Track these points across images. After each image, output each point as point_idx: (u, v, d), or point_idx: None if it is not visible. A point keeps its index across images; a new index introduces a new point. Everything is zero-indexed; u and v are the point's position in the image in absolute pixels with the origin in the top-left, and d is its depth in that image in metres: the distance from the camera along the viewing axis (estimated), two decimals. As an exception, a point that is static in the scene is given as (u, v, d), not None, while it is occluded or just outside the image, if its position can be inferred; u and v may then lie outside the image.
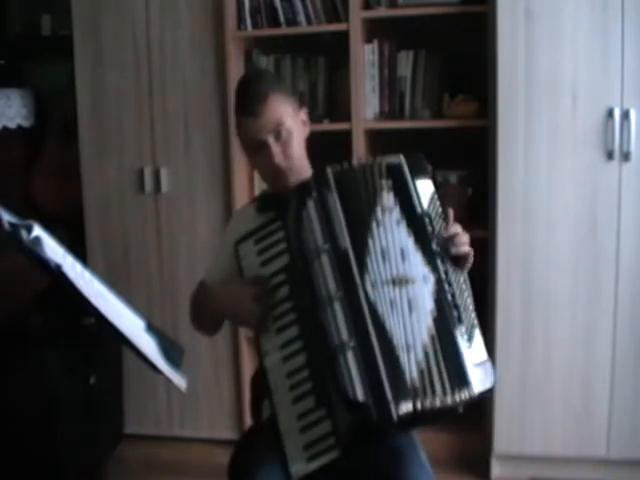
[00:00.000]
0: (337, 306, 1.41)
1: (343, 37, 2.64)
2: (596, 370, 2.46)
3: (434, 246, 1.46)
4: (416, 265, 1.44)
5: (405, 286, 1.42)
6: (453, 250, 1.47)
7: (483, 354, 1.44)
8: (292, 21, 2.70)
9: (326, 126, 2.72)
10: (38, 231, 1.31)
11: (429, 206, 1.50)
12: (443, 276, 1.44)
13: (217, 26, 2.73)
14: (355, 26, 2.62)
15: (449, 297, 1.43)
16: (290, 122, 1.62)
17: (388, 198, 1.48)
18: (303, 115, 1.69)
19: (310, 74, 2.82)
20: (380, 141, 2.83)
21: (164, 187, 2.87)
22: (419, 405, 1.36)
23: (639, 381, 2.45)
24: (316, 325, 1.42)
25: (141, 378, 2.94)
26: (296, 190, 1.52)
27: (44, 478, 2.51)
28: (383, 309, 1.40)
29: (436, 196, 1.52)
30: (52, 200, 3.14)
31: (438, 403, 1.36)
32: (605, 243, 2.41)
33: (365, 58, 2.68)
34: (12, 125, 3.07)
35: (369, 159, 1.57)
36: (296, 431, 1.44)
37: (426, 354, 1.39)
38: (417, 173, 1.52)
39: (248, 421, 2.56)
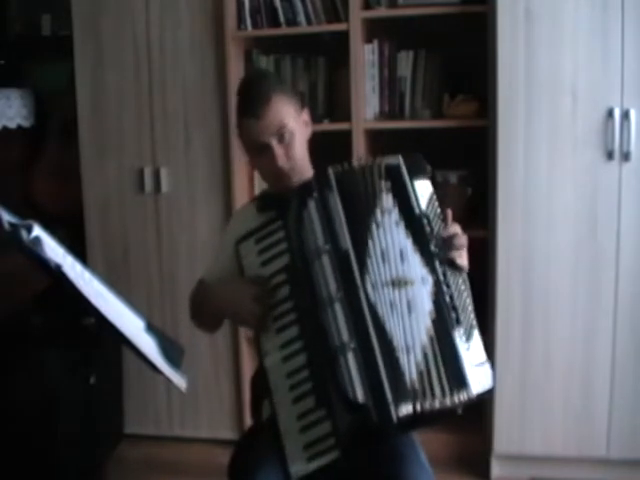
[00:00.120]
0: (338, 307, 1.41)
1: (343, 37, 2.64)
2: (596, 370, 2.46)
3: (432, 247, 1.46)
4: (415, 266, 1.44)
5: (404, 287, 1.42)
6: (450, 252, 1.47)
7: (482, 355, 1.44)
8: (292, 21, 2.70)
9: (326, 126, 2.72)
10: (38, 231, 1.31)
11: (427, 207, 1.49)
12: (441, 277, 1.44)
13: (217, 26, 2.73)
14: (355, 26, 2.62)
15: (447, 298, 1.43)
16: (293, 123, 1.61)
17: (387, 199, 1.48)
18: (305, 115, 1.69)
19: (310, 74, 2.82)
20: (380, 141, 2.83)
21: (164, 187, 2.87)
22: (418, 407, 1.36)
23: (639, 381, 2.45)
24: (316, 325, 1.42)
25: (141, 378, 2.95)
26: (297, 190, 1.52)
27: (44, 478, 2.51)
28: (383, 310, 1.40)
29: (435, 196, 1.52)
30: (52, 200, 3.14)
31: (437, 405, 1.36)
32: (605, 243, 2.41)
33: (365, 58, 2.68)
34: (12, 125, 3.07)
35: (369, 160, 1.56)
36: (296, 431, 1.44)
37: (425, 355, 1.39)
38: (415, 174, 1.52)
39: (248, 421, 2.56)
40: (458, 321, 1.42)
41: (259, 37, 2.81)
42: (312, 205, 1.47)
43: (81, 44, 2.87)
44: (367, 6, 2.65)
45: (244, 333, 2.80)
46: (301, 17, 2.69)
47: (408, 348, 1.39)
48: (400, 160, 1.52)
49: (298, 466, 1.43)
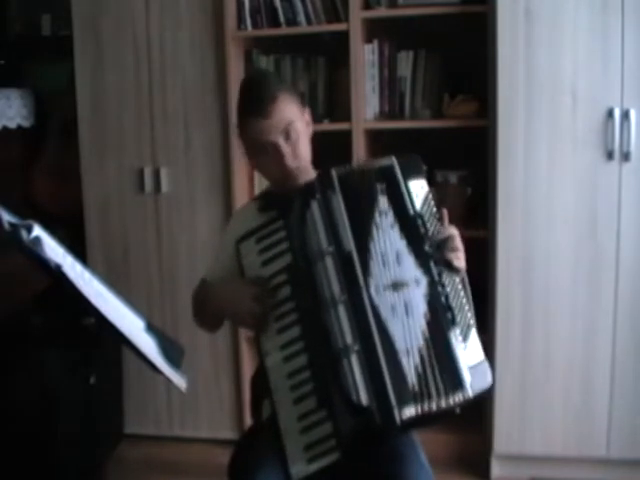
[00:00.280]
0: (341, 309, 1.40)
1: (343, 37, 2.64)
2: (596, 370, 2.46)
3: (427, 248, 1.45)
4: (409, 268, 1.43)
5: (402, 290, 1.42)
6: (446, 253, 1.46)
7: (479, 355, 1.43)
8: (292, 21, 2.70)
9: (326, 126, 2.72)
10: (38, 231, 1.31)
11: (422, 207, 1.49)
12: (436, 278, 1.43)
13: (217, 26, 2.73)
14: (355, 26, 2.62)
15: (442, 299, 1.42)
16: (298, 123, 1.61)
17: (383, 201, 1.48)
18: (307, 115, 1.69)
19: (310, 74, 2.82)
20: (380, 141, 2.83)
21: (164, 187, 2.87)
22: (420, 409, 1.36)
23: (639, 381, 2.45)
24: (318, 326, 1.42)
25: (141, 378, 2.95)
26: (300, 191, 1.51)
27: (44, 478, 2.51)
28: (386, 313, 1.40)
29: (430, 196, 1.51)
30: (52, 200, 3.15)
31: (434, 407, 1.36)
32: (605, 243, 2.41)
33: (365, 58, 2.68)
34: (12, 125, 3.07)
35: (368, 161, 1.56)
36: (297, 432, 1.44)
37: (422, 357, 1.39)
38: (410, 174, 1.51)
39: (248, 421, 2.56)
40: (454, 321, 1.42)
41: (259, 37, 2.81)
42: (315, 206, 1.47)
43: (81, 44, 2.87)
44: (367, 6, 2.66)
45: (244, 333, 2.80)
46: (301, 17, 2.69)
47: (408, 350, 1.39)
48: (394, 161, 1.51)
49: (299, 467, 1.43)
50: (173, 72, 2.81)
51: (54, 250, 1.34)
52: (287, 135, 1.59)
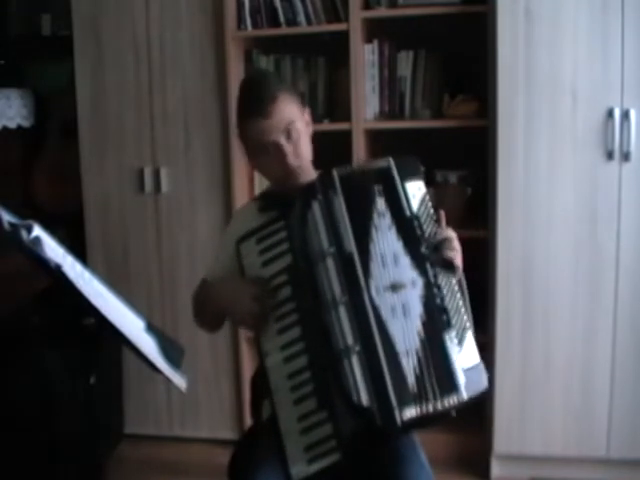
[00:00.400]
0: (342, 310, 1.40)
1: (343, 37, 2.64)
2: (596, 370, 2.46)
3: (423, 249, 1.45)
4: (406, 269, 1.43)
5: (400, 291, 1.42)
6: (442, 255, 1.45)
7: (475, 357, 1.43)
8: (292, 21, 2.70)
9: (326, 126, 2.72)
10: (38, 231, 1.31)
11: (419, 208, 1.48)
12: (432, 280, 1.43)
13: (217, 26, 2.73)
14: (355, 26, 2.62)
15: (437, 301, 1.42)
16: (298, 122, 1.61)
17: (380, 202, 1.47)
18: (307, 115, 1.69)
19: (310, 74, 2.82)
20: (380, 141, 2.83)
21: (164, 187, 2.87)
22: (420, 410, 1.36)
23: (639, 381, 2.45)
24: (319, 327, 1.42)
25: (141, 378, 2.95)
26: (301, 191, 1.50)
27: (44, 478, 2.51)
28: (386, 314, 1.40)
29: (428, 198, 1.50)
30: (52, 200, 3.15)
31: (431, 408, 1.36)
32: (605, 243, 2.41)
33: (365, 58, 2.68)
34: (12, 125, 3.07)
35: (367, 161, 1.56)
36: (297, 432, 1.44)
37: (419, 359, 1.39)
38: (407, 175, 1.50)
39: (248, 421, 2.56)
40: (449, 323, 1.41)
41: (259, 37, 2.81)
42: (316, 207, 1.46)
43: (81, 44, 2.87)
44: (367, 6, 2.66)
45: (244, 333, 2.80)
46: (301, 17, 2.69)
47: (407, 351, 1.39)
48: (391, 162, 1.50)
49: (299, 467, 1.43)
50: (173, 72, 2.81)
51: (54, 250, 1.34)
52: (288, 134, 1.59)
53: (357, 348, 1.38)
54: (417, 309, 1.41)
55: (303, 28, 2.70)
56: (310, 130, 1.69)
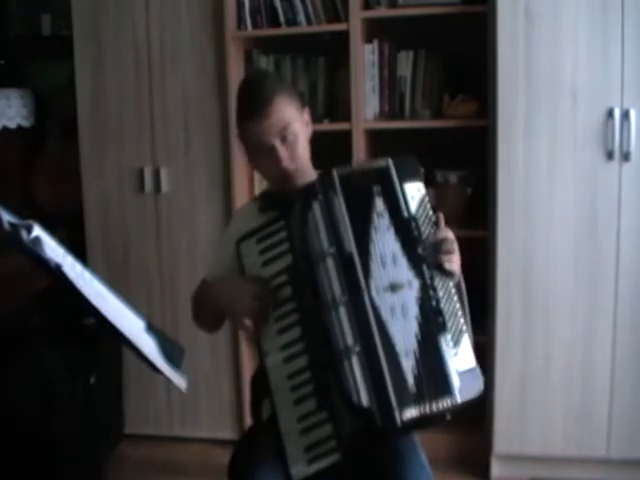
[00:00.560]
0: (342, 310, 1.40)
1: (343, 37, 2.64)
2: (596, 370, 2.46)
3: (420, 251, 1.44)
4: (403, 270, 1.43)
5: (398, 291, 1.42)
6: (439, 256, 1.44)
7: (471, 361, 1.42)
8: (292, 21, 2.70)
9: (326, 126, 2.72)
10: (38, 231, 1.31)
11: (418, 210, 1.48)
12: (428, 281, 1.42)
13: (217, 26, 2.73)
14: (355, 26, 2.62)
15: (433, 303, 1.41)
16: (295, 124, 1.61)
17: (379, 203, 1.47)
18: (306, 115, 1.68)
19: (310, 74, 2.82)
20: (380, 141, 2.83)
21: (164, 187, 2.87)
22: (420, 411, 1.35)
23: (639, 381, 2.45)
24: (319, 328, 1.42)
25: (141, 378, 2.95)
26: (302, 191, 1.50)
27: (44, 478, 2.51)
28: (386, 315, 1.40)
29: (427, 199, 1.50)
30: (52, 200, 3.15)
31: (428, 410, 1.36)
32: (605, 243, 2.41)
33: (365, 58, 2.68)
34: (12, 125, 3.07)
35: (367, 161, 1.56)
36: (297, 433, 1.44)
37: (416, 360, 1.38)
38: (405, 176, 1.49)
39: (248, 421, 2.56)
40: (444, 326, 1.41)
41: (259, 37, 2.81)
42: (317, 207, 1.46)
43: (81, 44, 2.87)
44: (367, 6, 2.66)
45: (244, 334, 2.79)
46: (301, 17, 2.69)
47: (407, 352, 1.39)
48: (389, 163, 1.50)
49: (299, 467, 1.43)
50: (173, 72, 2.81)
51: (54, 250, 1.34)
52: (283, 138, 1.59)
53: (357, 348, 1.38)
54: (413, 310, 1.41)
55: (303, 28, 2.70)
56: (310, 130, 1.69)
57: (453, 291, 1.44)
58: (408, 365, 1.38)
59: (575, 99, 2.37)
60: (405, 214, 1.46)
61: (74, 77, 2.90)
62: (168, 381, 1.49)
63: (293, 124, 1.60)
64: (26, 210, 2.73)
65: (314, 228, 1.45)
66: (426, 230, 1.47)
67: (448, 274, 1.45)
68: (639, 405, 2.46)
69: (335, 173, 1.49)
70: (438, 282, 1.43)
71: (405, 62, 2.72)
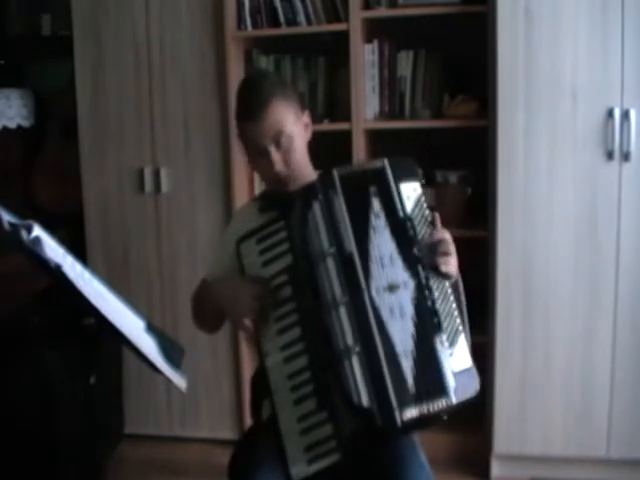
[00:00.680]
0: (342, 310, 1.40)
1: (343, 37, 2.64)
2: (596, 370, 2.46)
3: (415, 251, 1.44)
4: (399, 271, 1.42)
5: (396, 292, 1.41)
6: (435, 258, 1.44)
7: (467, 361, 1.41)
8: (292, 21, 2.70)
9: (326, 126, 2.72)
10: (38, 231, 1.31)
11: (414, 210, 1.47)
12: (423, 282, 1.42)
13: (217, 26, 2.73)
14: (355, 26, 2.62)
15: (428, 303, 1.41)
16: (291, 128, 1.60)
17: (376, 203, 1.47)
18: (306, 118, 1.68)
19: (310, 74, 2.82)
20: (380, 141, 2.83)
21: (164, 187, 2.87)
22: (420, 411, 1.35)
23: (639, 381, 2.45)
24: (319, 328, 1.42)
25: (141, 378, 2.95)
26: (302, 191, 1.50)
27: (44, 478, 2.51)
28: (386, 315, 1.40)
29: (423, 199, 1.49)
30: (52, 200, 3.15)
31: (425, 411, 1.36)
32: (605, 243, 2.41)
33: (365, 58, 2.68)
34: (12, 125, 3.07)
35: (365, 161, 1.56)
36: (297, 433, 1.44)
37: (414, 361, 1.38)
38: (401, 176, 1.49)
39: (248, 421, 2.56)
40: (439, 326, 1.40)
41: (259, 37, 2.81)
42: (317, 207, 1.46)
43: (81, 44, 2.87)
44: (367, 6, 2.66)
45: (244, 334, 2.79)
46: (301, 17, 2.69)
47: (406, 353, 1.38)
48: (385, 163, 1.49)
49: (299, 468, 1.43)
50: (173, 72, 2.81)
51: (54, 250, 1.34)
52: (278, 142, 1.58)
53: (357, 348, 1.38)
54: (409, 311, 1.41)
55: (303, 28, 2.70)
56: (309, 133, 1.68)
57: (449, 291, 1.44)
58: (407, 365, 1.38)
59: (575, 99, 2.37)
60: (401, 214, 1.46)
61: (74, 77, 2.90)
62: (168, 381, 1.49)
63: (288, 128, 1.59)
64: (26, 210, 2.73)
65: (314, 228, 1.45)
66: (422, 230, 1.46)
67: (444, 275, 1.44)
68: (639, 405, 2.46)
69: (335, 173, 1.48)
70: (434, 282, 1.43)
71: (405, 62, 2.72)
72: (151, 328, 1.51)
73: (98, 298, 1.39)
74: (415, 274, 1.42)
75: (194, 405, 2.95)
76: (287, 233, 1.50)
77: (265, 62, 2.82)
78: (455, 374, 1.39)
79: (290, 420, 1.45)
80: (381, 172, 1.48)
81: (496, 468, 2.62)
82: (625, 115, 2.35)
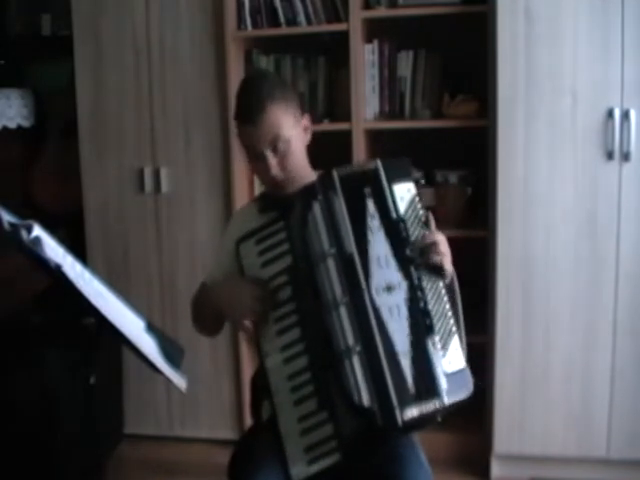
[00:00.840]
0: (343, 311, 1.40)
1: (343, 37, 2.64)
2: (596, 370, 2.46)
3: (407, 252, 1.44)
4: (394, 271, 1.42)
5: (393, 292, 1.41)
6: (429, 259, 1.44)
7: (460, 362, 1.41)
8: (292, 21, 2.70)
9: (326, 126, 2.72)
10: (38, 231, 1.31)
11: (407, 211, 1.46)
12: (415, 282, 1.42)
13: (217, 26, 2.73)
14: (355, 26, 2.62)
15: (421, 304, 1.41)
16: (289, 132, 1.59)
17: (371, 204, 1.47)
18: (305, 121, 1.67)
19: (310, 74, 2.82)
20: (380, 141, 2.83)
21: (164, 187, 2.87)
22: (419, 410, 1.35)
23: (639, 381, 2.45)
24: (319, 328, 1.42)
25: (141, 378, 2.94)
26: (302, 192, 1.50)
27: (44, 478, 2.51)
28: (386, 315, 1.40)
29: (417, 199, 1.48)
30: (52, 200, 3.14)
31: (424, 411, 1.36)
32: (605, 243, 2.41)
33: (365, 58, 2.68)
34: (12, 125, 3.07)
35: (358, 162, 1.55)
36: (297, 433, 1.44)
37: (411, 361, 1.38)
38: (395, 177, 1.48)
39: (248, 421, 2.56)
40: (431, 327, 1.40)
41: (259, 37, 2.81)
42: (317, 208, 1.46)
43: (81, 44, 2.87)
44: (367, 6, 2.66)
45: (244, 335, 2.79)
46: (301, 17, 2.69)
47: (404, 353, 1.38)
48: (378, 164, 1.49)
49: (299, 468, 1.43)
50: (173, 72, 2.81)
51: (54, 250, 1.34)
52: (274, 147, 1.58)
53: (358, 348, 1.38)
54: (404, 311, 1.41)
55: (303, 28, 2.70)
56: (308, 136, 1.68)
57: (443, 292, 1.43)
58: (406, 365, 1.38)
59: (575, 99, 2.37)
60: (393, 215, 1.46)
61: (74, 77, 2.90)
62: (168, 381, 1.49)
63: (286, 133, 1.58)
64: (26, 210, 2.73)
65: (314, 229, 1.45)
66: (415, 231, 1.46)
67: (439, 275, 1.44)
68: (639, 405, 2.46)
69: (335, 173, 1.48)
70: (427, 283, 1.42)
71: (405, 62, 2.72)
72: (151, 328, 1.51)
73: (98, 298, 1.39)
74: (407, 275, 1.42)
75: (194, 405, 2.95)
76: (287, 234, 1.50)
77: (265, 62, 2.82)
78: (447, 375, 1.38)
79: (290, 421, 1.45)
80: (374, 173, 1.48)
81: (496, 468, 2.62)
82: (625, 115, 2.35)
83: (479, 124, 2.59)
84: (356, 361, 1.37)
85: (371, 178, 1.48)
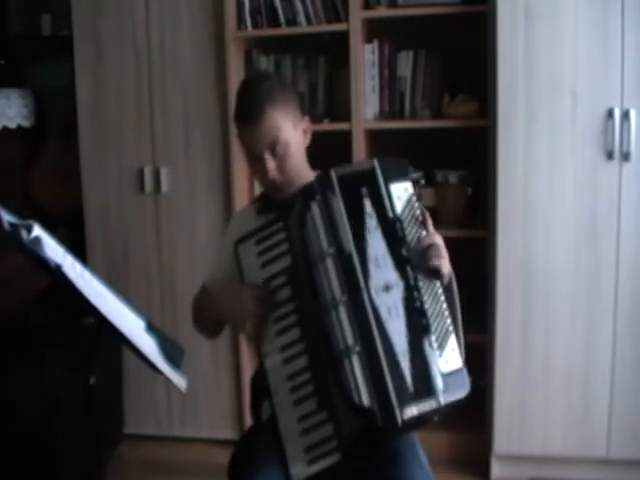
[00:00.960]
0: (342, 310, 1.40)
1: (343, 37, 2.64)
2: (596, 370, 2.46)
3: (404, 252, 1.44)
4: (390, 271, 1.42)
5: (391, 292, 1.41)
6: (425, 261, 1.43)
7: (457, 363, 1.41)
8: (292, 21, 2.70)
9: (326, 126, 2.72)
10: (38, 231, 1.32)
11: (404, 210, 1.46)
12: (412, 282, 1.41)
13: (217, 26, 2.73)
14: (355, 26, 2.62)
15: (417, 304, 1.41)
16: (288, 135, 1.59)
17: (368, 204, 1.47)
18: (305, 123, 1.66)
19: (310, 74, 2.82)
20: (380, 141, 2.83)
21: (164, 187, 2.87)
22: (418, 410, 1.35)
23: (639, 381, 2.45)
24: (319, 328, 1.42)
25: (141, 378, 2.95)
26: (300, 192, 1.50)
27: (44, 478, 2.51)
28: (385, 314, 1.40)
29: (414, 199, 1.48)
30: (52, 200, 3.15)
31: (423, 410, 1.36)
32: (605, 243, 2.41)
33: (365, 58, 2.68)
34: (12, 125, 3.07)
35: (356, 162, 1.55)
36: (297, 434, 1.44)
37: (410, 360, 1.38)
38: (392, 177, 1.48)
39: (248, 421, 2.56)
40: (428, 327, 1.40)
41: (259, 37, 2.81)
42: (315, 207, 1.46)
43: (81, 44, 2.87)
44: (367, 6, 2.66)
45: (244, 335, 2.79)
46: (301, 17, 2.69)
47: (404, 352, 1.38)
48: (375, 164, 1.49)
49: (299, 468, 1.43)
50: (173, 72, 2.81)
51: (54, 250, 1.34)
52: (273, 149, 1.58)
53: (357, 348, 1.38)
54: (401, 311, 1.41)
55: (303, 28, 2.70)
56: (308, 138, 1.67)
57: (440, 292, 1.43)
58: (405, 364, 1.38)
59: (575, 99, 2.37)
60: (390, 215, 1.45)
61: (74, 77, 2.90)
62: (168, 381, 1.49)
63: (285, 135, 1.58)
64: (26, 210, 2.73)
65: (313, 229, 1.45)
66: (412, 231, 1.46)
67: (436, 276, 1.43)
68: (639, 405, 2.46)
69: (333, 174, 1.48)
70: (423, 283, 1.42)
71: (405, 62, 2.72)
72: (151, 328, 1.51)
73: (98, 298, 1.39)
74: (404, 275, 1.42)
75: (194, 405, 2.95)
76: (286, 234, 1.51)
77: (265, 62, 2.82)
78: (444, 375, 1.38)
79: (290, 421, 1.45)
80: (371, 173, 1.48)
81: (496, 468, 2.62)
82: (625, 115, 2.35)
83: (479, 124, 2.59)
84: (356, 361, 1.37)
85: (368, 178, 1.48)
